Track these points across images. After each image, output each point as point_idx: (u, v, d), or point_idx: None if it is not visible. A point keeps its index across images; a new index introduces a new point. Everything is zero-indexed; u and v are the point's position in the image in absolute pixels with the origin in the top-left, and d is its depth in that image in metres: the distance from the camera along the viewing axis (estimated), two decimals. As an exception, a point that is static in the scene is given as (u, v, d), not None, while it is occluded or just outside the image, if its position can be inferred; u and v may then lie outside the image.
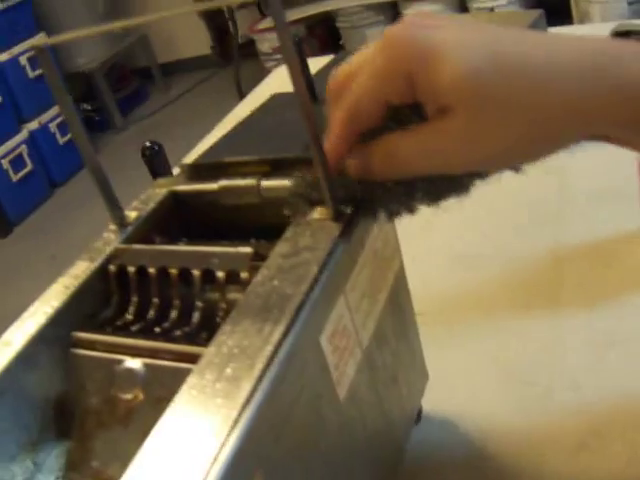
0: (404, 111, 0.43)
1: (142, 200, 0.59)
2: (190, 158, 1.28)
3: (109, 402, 0.46)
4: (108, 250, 0.54)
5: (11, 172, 3.86)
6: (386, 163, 0.44)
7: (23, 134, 4.01)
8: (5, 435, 0.47)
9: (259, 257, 0.47)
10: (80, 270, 0.53)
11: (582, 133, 0.41)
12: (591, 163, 0.81)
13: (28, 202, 3.98)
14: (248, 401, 0.35)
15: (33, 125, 4.07)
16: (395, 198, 0.45)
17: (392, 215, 0.46)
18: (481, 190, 0.75)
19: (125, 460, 0.44)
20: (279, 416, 0.37)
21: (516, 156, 0.42)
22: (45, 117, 4.13)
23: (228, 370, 0.37)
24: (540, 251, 0.74)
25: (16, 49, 4.01)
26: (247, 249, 0.48)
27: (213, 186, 0.57)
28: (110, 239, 0.55)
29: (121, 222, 0.56)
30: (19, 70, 4.01)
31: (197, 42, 5.41)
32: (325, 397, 0.42)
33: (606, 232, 0.73)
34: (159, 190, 0.60)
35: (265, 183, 0.55)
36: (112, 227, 0.57)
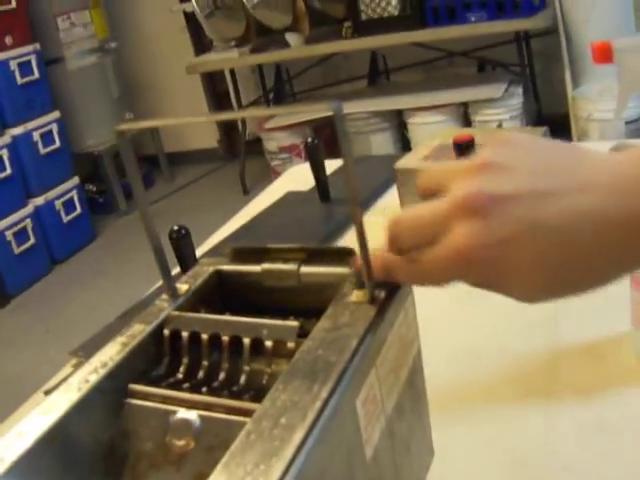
0: None
1: (191, 275, 0.67)
2: (209, 244, 1.37)
3: (162, 447, 0.53)
4: (162, 316, 0.61)
5: (14, 244, 3.94)
6: None
7: (29, 208, 4.11)
8: (58, 475, 0.53)
9: (302, 332, 0.55)
10: (137, 331, 0.59)
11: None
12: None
13: (27, 275, 4.05)
14: (301, 445, 0.42)
15: (39, 201, 4.17)
16: None
17: None
18: (483, 295, 0.83)
19: (175, 498, 0.51)
20: (323, 463, 0.44)
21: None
22: (52, 194, 4.24)
23: (283, 420, 0.44)
24: (537, 348, 0.81)
25: (30, 124, 4.16)
26: (294, 323, 0.55)
27: (256, 268, 0.64)
28: (163, 307, 0.62)
29: (173, 293, 0.63)
30: (31, 145, 4.14)
31: (205, 135, 5.56)
32: (356, 453, 0.49)
33: (598, 333, 0.82)
34: (206, 268, 0.67)
35: (304, 269, 0.62)
36: (164, 297, 0.64)
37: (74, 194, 4.41)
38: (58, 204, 4.28)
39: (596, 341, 0.80)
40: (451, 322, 0.90)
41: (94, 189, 4.91)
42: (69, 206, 4.36)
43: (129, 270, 3.92)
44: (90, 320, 3.13)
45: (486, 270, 0.48)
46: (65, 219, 4.32)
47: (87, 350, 1.06)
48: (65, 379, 0.94)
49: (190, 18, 5.04)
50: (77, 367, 1.02)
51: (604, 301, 0.86)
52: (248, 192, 4.68)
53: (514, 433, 0.72)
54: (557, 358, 0.79)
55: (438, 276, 0.51)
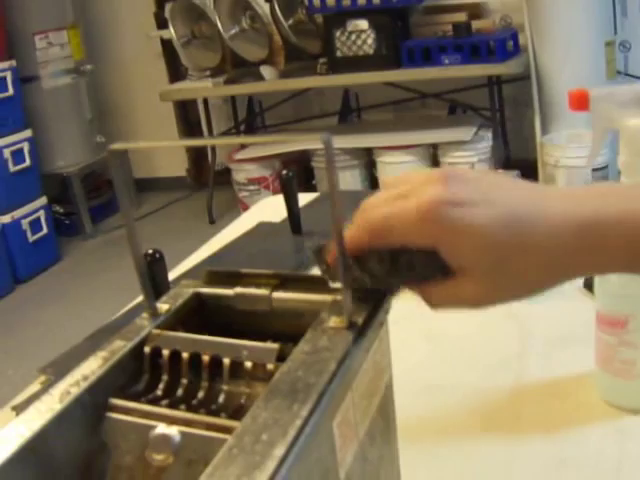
0: (421, 259, 0.55)
1: (171, 296, 0.68)
2: (178, 271, 1.38)
3: (141, 461, 0.54)
4: (143, 333, 0.62)
5: (-24, 262, 3.90)
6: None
7: (-6, 226, 4.06)
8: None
9: (280, 355, 0.56)
10: (117, 347, 0.61)
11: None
12: (552, 310, 0.92)
13: (-11, 294, 4.01)
14: (282, 461, 0.43)
15: (5, 219, 4.12)
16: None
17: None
18: (452, 333, 0.86)
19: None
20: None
21: (529, 294, 0.55)
22: (19, 213, 4.19)
23: (264, 436, 0.45)
24: (503, 385, 0.84)
25: (1, 141, 4.11)
26: (274, 345, 0.57)
27: (229, 292, 0.66)
28: (144, 325, 0.63)
29: (153, 312, 0.65)
30: (1, 162, 4.09)
31: (174, 163, 5.55)
32: (331, 473, 0.50)
33: (562, 372, 0.84)
34: (186, 289, 0.69)
35: (276, 294, 0.64)
36: (145, 315, 0.65)
37: (41, 214, 4.38)
38: (25, 223, 4.23)
39: (560, 379, 0.83)
40: (420, 359, 0.92)
41: (61, 210, 4.88)
42: (35, 226, 4.32)
43: (92, 293, 3.91)
44: (51, 341, 3.12)
45: (443, 229, 0.52)
46: (31, 239, 4.28)
47: (56, 368, 1.07)
48: (34, 395, 0.95)
49: (167, 45, 5.06)
50: (45, 384, 1.03)
51: (569, 340, 0.89)
52: (214, 222, 4.69)
53: (479, 467, 0.74)
54: (522, 395, 0.82)
55: (399, 238, 0.55)
